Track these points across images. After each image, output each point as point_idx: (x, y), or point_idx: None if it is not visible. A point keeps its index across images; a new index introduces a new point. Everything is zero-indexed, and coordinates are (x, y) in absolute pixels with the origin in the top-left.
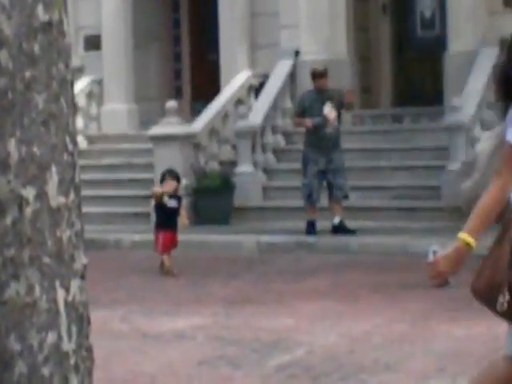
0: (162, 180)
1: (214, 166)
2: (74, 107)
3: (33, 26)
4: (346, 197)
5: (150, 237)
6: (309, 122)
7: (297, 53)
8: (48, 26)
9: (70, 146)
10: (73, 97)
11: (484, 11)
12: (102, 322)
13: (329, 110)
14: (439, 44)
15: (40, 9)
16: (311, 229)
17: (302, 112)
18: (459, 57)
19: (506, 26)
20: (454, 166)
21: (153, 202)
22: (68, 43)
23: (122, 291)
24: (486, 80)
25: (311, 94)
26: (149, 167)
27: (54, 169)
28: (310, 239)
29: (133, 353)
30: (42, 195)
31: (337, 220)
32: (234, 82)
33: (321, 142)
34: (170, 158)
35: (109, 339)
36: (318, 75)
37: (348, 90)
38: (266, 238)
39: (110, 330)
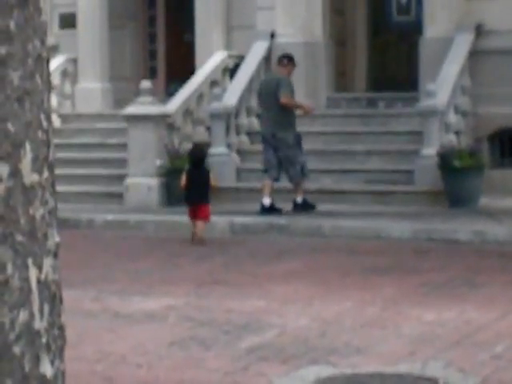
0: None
1: (188, 146)
2: (49, 85)
3: (9, 2)
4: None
5: (123, 217)
6: (311, 105)
7: (272, 35)
8: (24, 2)
9: (45, 124)
10: (48, 74)
11: None
12: (73, 302)
13: None
14: (415, 29)
15: None
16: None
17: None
18: (435, 42)
19: (482, 12)
20: (428, 150)
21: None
22: (44, 20)
23: (93, 271)
24: (461, 66)
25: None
26: (122, 147)
27: (28, 146)
28: (282, 221)
29: (104, 332)
30: (15, 173)
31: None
32: (209, 63)
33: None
34: (143, 137)
35: (80, 318)
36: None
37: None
38: (238, 220)
39: (82, 309)
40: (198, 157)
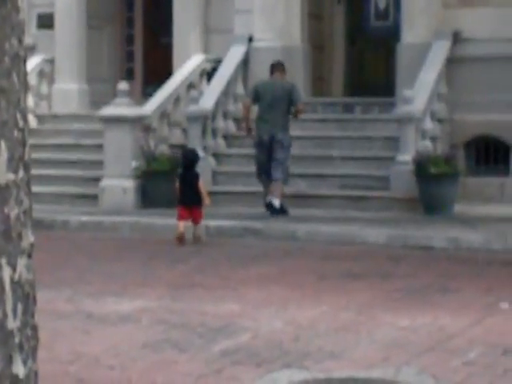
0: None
1: (164, 149)
2: (26, 84)
3: None
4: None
5: (98, 218)
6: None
7: (250, 39)
8: (2, 0)
9: (21, 123)
10: (25, 73)
11: (438, 4)
12: (46, 302)
13: None
14: (393, 35)
15: None
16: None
17: None
18: (412, 48)
19: (460, 19)
20: (404, 157)
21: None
22: (22, 19)
23: (68, 272)
24: (438, 72)
25: None
26: (98, 148)
27: (3, 145)
28: (257, 225)
29: (77, 333)
30: None
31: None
32: (187, 65)
33: None
34: (119, 139)
35: (53, 319)
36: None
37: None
38: (213, 223)
39: (55, 310)
40: (190, 159)
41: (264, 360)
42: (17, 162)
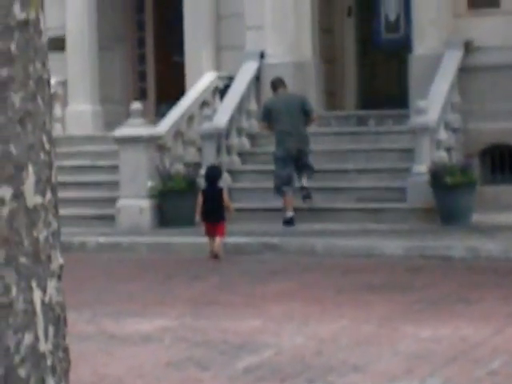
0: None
1: (179, 167)
2: (50, 106)
3: (9, 24)
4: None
5: (115, 239)
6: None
7: (262, 55)
8: (25, 24)
9: (47, 146)
10: (49, 95)
11: (449, 14)
12: (68, 324)
13: None
14: (404, 47)
15: (17, 7)
16: None
17: None
18: (424, 59)
19: (471, 28)
20: (419, 168)
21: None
22: (44, 42)
23: (87, 293)
24: (451, 82)
25: None
26: (114, 169)
27: (30, 168)
28: (275, 240)
29: (100, 355)
30: (18, 195)
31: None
32: (199, 83)
33: None
34: (134, 159)
35: (75, 341)
36: None
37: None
38: (231, 240)
39: (77, 331)
40: (213, 175)
41: (288, 375)
42: (44, 184)
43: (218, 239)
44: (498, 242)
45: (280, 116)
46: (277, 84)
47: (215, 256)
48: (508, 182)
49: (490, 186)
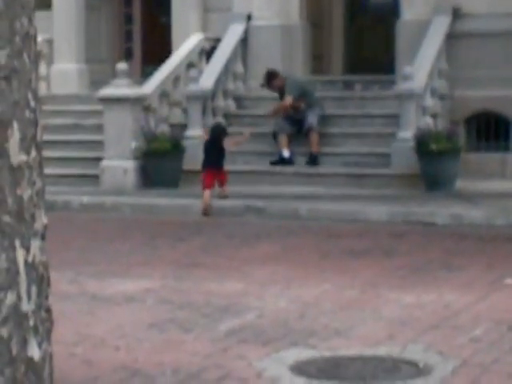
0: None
1: (164, 129)
2: (37, 63)
3: None
4: None
5: (99, 199)
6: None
7: (249, 17)
8: None
9: (32, 103)
10: (35, 52)
11: None
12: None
13: None
14: (392, 12)
15: None
16: None
17: None
18: (412, 25)
19: None
20: (405, 133)
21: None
22: None
23: (70, 253)
24: (438, 49)
25: None
26: (98, 129)
27: (15, 125)
28: (259, 203)
29: (82, 315)
30: (2, 152)
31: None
32: (186, 45)
33: None
34: (119, 120)
35: (57, 301)
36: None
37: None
38: (216, 202)
39: (59, 291)
40: (216, 133)
41: (270, 338)
42: (29, 142)
43: (223, 187)
44: (482, 208)
45: (304, 95)
46: (272, 76)
47: (224, 196)
48: (492, 149)
49: (475, 154)
